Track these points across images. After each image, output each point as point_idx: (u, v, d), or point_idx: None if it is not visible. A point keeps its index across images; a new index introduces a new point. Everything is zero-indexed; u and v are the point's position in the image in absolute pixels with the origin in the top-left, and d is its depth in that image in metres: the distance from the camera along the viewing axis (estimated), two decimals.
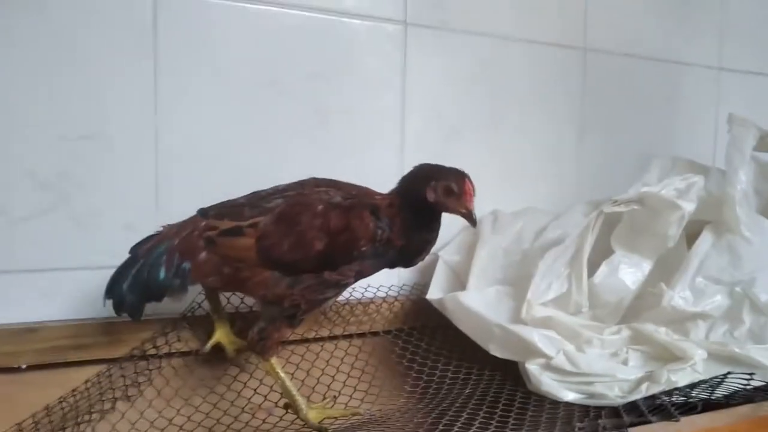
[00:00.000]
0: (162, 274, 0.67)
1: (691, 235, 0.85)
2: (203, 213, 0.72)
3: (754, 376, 0.62)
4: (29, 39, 0.76)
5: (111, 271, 0.71)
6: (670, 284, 0.79)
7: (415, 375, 0.82)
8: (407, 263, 0.73)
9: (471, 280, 0.89)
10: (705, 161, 1.03)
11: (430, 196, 0.67)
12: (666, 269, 0.82)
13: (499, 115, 1.07)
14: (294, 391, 0.70)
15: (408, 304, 0.95)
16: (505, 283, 0.90)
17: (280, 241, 0.67)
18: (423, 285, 0.95)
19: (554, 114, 1.12)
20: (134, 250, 0.69)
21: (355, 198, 0.70)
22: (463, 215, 0.69)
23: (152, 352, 0.75)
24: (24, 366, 0.72)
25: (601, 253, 0.86)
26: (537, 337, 0.74)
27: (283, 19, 0.89)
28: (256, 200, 0.71)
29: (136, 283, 0.67)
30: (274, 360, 0.71)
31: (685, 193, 0.78)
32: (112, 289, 0.68)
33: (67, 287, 0.80)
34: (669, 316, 0.77)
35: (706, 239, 0.82)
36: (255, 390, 0.77)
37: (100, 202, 0.81)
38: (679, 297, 0.77)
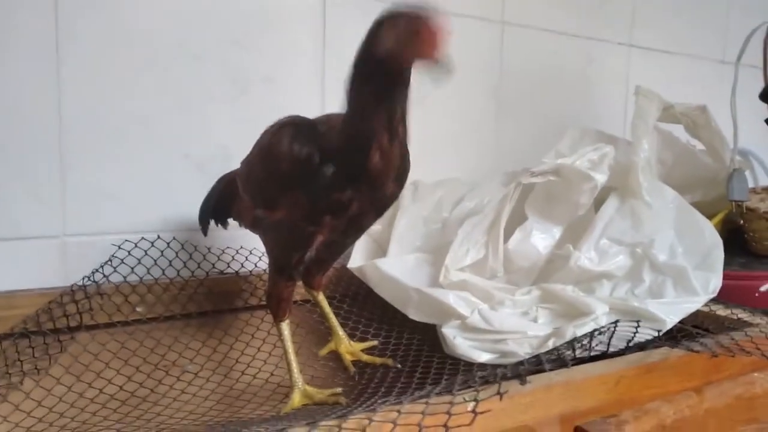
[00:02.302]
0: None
1: (598, 201, 0.89)
2: None
3: (640, 323, 0.66)
4: None
5: (16, 243, 0.68)
6: (577, 246, 0.82)
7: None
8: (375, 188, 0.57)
9: (391, 248, 0.89)
10: (617, 133, 1.08)
11: (380, 50, 0.52)
12: (575, 234, 0.86)
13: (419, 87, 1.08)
14: (294, 367, 0.65)
15: (330, 272, 0.95)
16: (425, 251, 0.91)
17: (244, 164, 0.68)
18: (345, 255, 0.96)
19: (472, 87, 1.14)
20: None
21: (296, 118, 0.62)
22: (434, 63, 0.51)
23: (48, 326, 0.71)
24: None
25: (515, 220, 0.89)
26: (452, 298, 0.75)
27: None
28: None
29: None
30: (283, 325, 0.67)
31: (598, 164, 0.82)
32: None
33: None
34: (576, 276, 0.81)
35: (611, 204, 0.86)
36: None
37: (1, 174, 0.76)
38: (585, 258, 0.80)
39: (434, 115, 1.10)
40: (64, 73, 0.79)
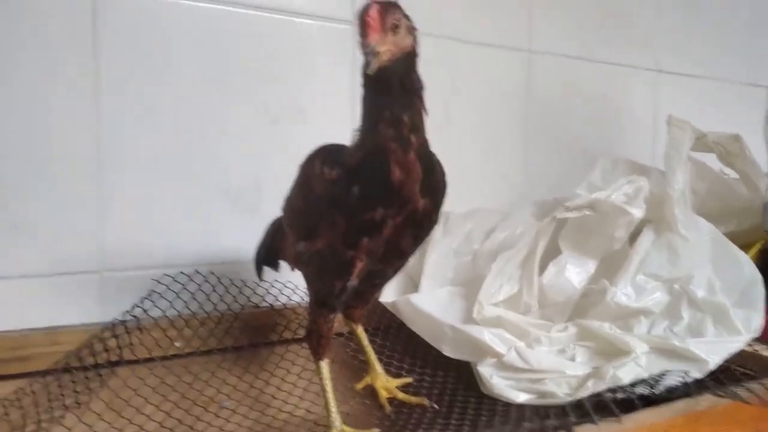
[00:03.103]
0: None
1: (632, 233, 0.88)
2: None
3: (688, 372, 0.65)
4: None
5: (57, 279, 0.70)
6: (613, 281, 0.82)
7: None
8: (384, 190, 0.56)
9: (423, 281, 0.90)
10: (645, 158, 1.08)
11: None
12: (610, 267, 0.85)
13: (447, 116, 1.09)
14: (332, 406, 0.65)
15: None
16: (456, 283, 0.91)
17: (286, 199, 0.69)
18: None
19: (500, 115, 1.15)
20: None
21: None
22: (364, 54, 0.51)
23: (90, 361, 0.73)
24: None
25: (549, 253, 0.88)
26: (488, 335, 0.75)
27: (233, 18, 0.88)
28: None
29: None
30: (323, 363, 0.66)
31: (634, 198, 0.81)
32: None
33: (7, 296, 0.76)
34: (613, 312, 0.80)
35: (646, 237, 0.85)
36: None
37: (41, 209, 0.78)
38: (621, 294, 0.80)
39: (462, 143, 1.11)
40: (105, 109, 0.81)
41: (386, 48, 0.51)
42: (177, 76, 0.85)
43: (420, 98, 0.57)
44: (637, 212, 0.80)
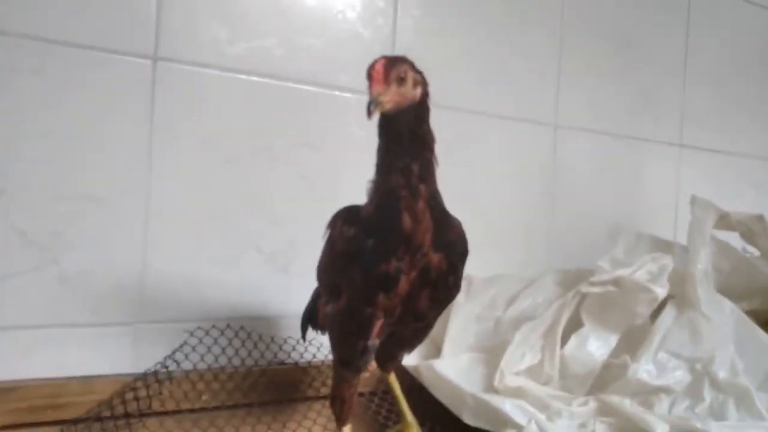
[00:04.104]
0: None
1: (655, 308, 0.89)
2: None
3: None
4: (31, 101, 0.79)
5: (95, 330, 0.73)
6: (635, 357, 0.82)
7: None
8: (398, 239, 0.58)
9: (445, 346, 0.91)
10: (667, 231, 1.10)
11: None
12: (631, 342, 0.86)
13: (475, 186, 1.13)
14: None
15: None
16: (477, 349, 0.93)
17: (319, 259, 0.72)
18: None
19: (526, 184, 1.18)
20: None
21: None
22: (368, 104, 0.54)
23: (120, 410, 0.75)
24: None
25: (570, 324, 0.90)
26: (509, 406, 0.76)
27: (276, 91, 0.94)
28: None
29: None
30: (345, 429, 0.68)
31: (658, 277, 0.83)
32: None
33: (48, 344, 0.80)
34: (633, 388, 0.81)
35: (668, 314, 0.86)
36: None
37: (89, 261, 0.83)
38: (643, 370, 0.80)
39: (487, 209, 1.14)
40: (155, 172, 0.86)
41: (388, 98, 0.55)
42: (224, 141, 0.91)
43: (431, 150, 0.60)
44: (661, 291, 0.82)
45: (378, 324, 0.62)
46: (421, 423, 0.85)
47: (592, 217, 1.25)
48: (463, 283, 1.05)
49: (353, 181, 1.01)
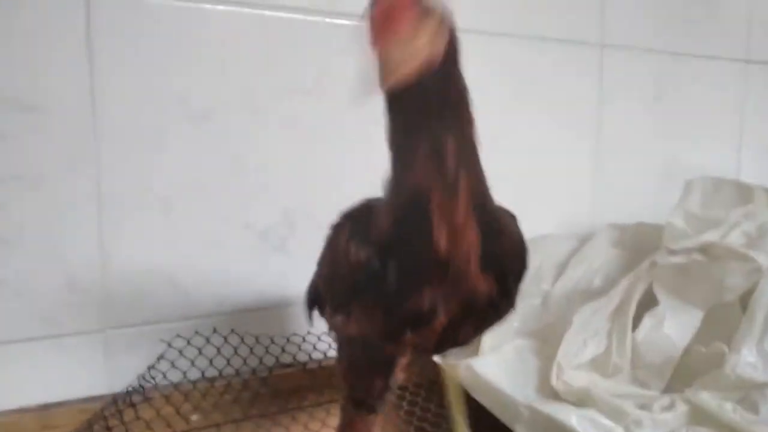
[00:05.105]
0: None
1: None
2: None
3: None
4: None
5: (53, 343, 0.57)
6: (733, 345, 0.65)
7: None
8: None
9: (485, 337, 0.74)
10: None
11: None
12: (720, 322, 0.69)
13: (505, 123, 0.92)
14: None
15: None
16: (524, 334, 0.76)
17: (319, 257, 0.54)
18: None
19: (569, 120, 0.97)
20: None
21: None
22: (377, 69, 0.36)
23: None
24: None
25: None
26: (576, 420, 0.60)
27: (250, 21, 0.73)
28: None
29: None
30: None
31: (759, 239, 0.64)
32: None
33: None
34: (731, 384, 0.64)
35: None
36: None
37: (30, 257, 0.65)
38: (745, 363, 0.63)
39: (521, 150, 0.94)
40: (103, 143, 0.67)
41: (407, 56, 0.35)
42: (192, 92, 0.70)
43: (469, 122, 0.40)
44: (765, 260, 0.63)
45: (403, 361, 0.45)
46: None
47: (642, 154, 1.05)
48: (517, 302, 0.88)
49: (357, 131, 0.82)
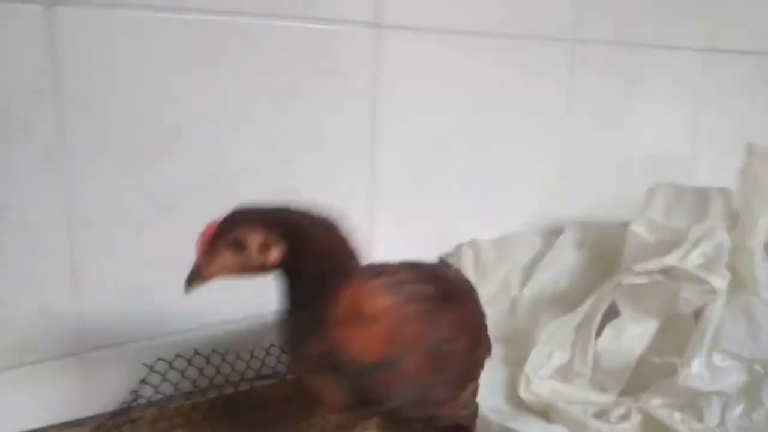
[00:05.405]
0: None
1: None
2: None
3: None
4: None
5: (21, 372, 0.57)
6: (684, 357, 0.71)
7: None
8: None
9: None
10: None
11: None
12: (674, 333, 0.75)
13: (474, 119, 0.93)
14: None
15: None
16: (493, 340, 0.80)
17: None
18: None
19: (539, 117, 0.99)
20: None
21: None
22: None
23: None
24: None
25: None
26: None
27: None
28: None
29: None
30: None
31: (715, 261, 0.69)
32: None
33: None
34: (680, 391, 0.70)
35: (720, 300, 0.73)
36: None
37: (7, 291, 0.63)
38: (695, 376, 0.69)
39: (489, 146, 0.95)
40: (76, 157, 0.64)
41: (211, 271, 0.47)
42: (163, 104, 0.68)
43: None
44: (721, 284, 0.68)
45: None
46: None
47: (610, 149, 1.08)
48: (470, 252, 0.90)
49: (334, 147, 0.81)
